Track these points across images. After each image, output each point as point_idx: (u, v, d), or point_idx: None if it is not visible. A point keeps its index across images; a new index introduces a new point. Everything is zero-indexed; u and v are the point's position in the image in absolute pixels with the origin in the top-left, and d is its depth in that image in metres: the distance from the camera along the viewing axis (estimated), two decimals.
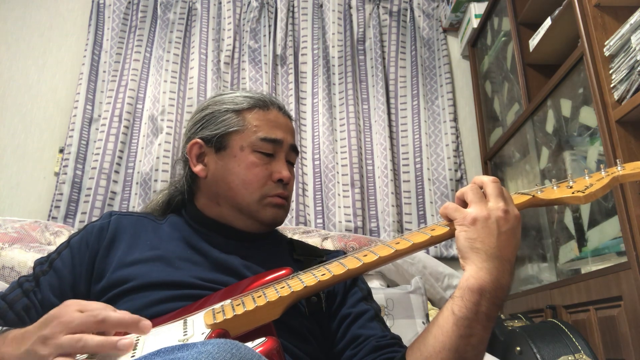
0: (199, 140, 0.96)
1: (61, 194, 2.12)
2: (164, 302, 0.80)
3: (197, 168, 0.95)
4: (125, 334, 0.67)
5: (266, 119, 0.95)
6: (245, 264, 0.88)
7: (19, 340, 0.65)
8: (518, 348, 1.33)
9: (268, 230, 0.97)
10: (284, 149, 0.95)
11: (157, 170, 2.14)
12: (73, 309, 0.64)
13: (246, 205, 0.91)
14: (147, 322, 0.66)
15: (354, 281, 0.93)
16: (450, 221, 0.72)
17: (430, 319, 1.58)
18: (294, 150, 0.98)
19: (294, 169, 1.03)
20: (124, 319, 0.65)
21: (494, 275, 0.66)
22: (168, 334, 0.70)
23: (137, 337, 0.72)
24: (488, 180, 0.72)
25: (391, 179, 2.19)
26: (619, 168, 0.75)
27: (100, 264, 0.87)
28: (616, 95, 1.35)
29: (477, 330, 0.65)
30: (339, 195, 2.17)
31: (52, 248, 1.62)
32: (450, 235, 0.72)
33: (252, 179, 0.91)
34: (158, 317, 0.77)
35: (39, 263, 0.88)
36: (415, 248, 0.72)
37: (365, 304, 0.89)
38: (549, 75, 1.76)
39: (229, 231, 0.93)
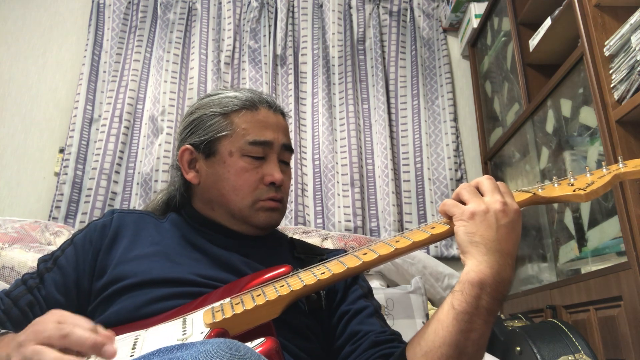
0: (189, 146, 0.95)
1: (62, 194, 2.12)
2: (163, 299, 0.80)
3: (190, 175, 0.95)
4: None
5: (255, 120, 0.93)
6: (245, 261, 0.88)
7: (9, 342, 0.63)
8: (518, 348, 1.33)
9: (264, 233, 0.96)
10: (275, 150, 0.93)
11: (157, 170, 2.15)
12: (52, 319, 0.61)
13: (238, 211, 0.91)
14: (111, 349, 0.58)
15: (355, 279, 0.93)
16: (449, 218, 0.72)
17: None
18: (287, 149, 0.96)
19: (291, 168, 1.02)
20: (85, 340, 0.58)
21: (494, 268, 0.65)
22: (167, 333, 0.70)
23: (137, 336, 0.72)
24: (482, 178, 0.73)
25: (391, 178, 2.19)
26: (621, 165, 0.75)
27: (103, 260, 0.87)
28: (616, 95, 1.35)
29: (478, 325, 0.65)
30: (338, 195, 2.17)
31: (52, 248, 1.63)
32: (451, 233, 0.71)
33: (242, 184, 0.90)
34: (158, 314, 0.77)
35: (42, 260, 0.88)
36: (415, 246, 0.71)
37: (365, 301, 0.89)
38: (549, 75, 1.76)
39: (228, 231, 0.93)
